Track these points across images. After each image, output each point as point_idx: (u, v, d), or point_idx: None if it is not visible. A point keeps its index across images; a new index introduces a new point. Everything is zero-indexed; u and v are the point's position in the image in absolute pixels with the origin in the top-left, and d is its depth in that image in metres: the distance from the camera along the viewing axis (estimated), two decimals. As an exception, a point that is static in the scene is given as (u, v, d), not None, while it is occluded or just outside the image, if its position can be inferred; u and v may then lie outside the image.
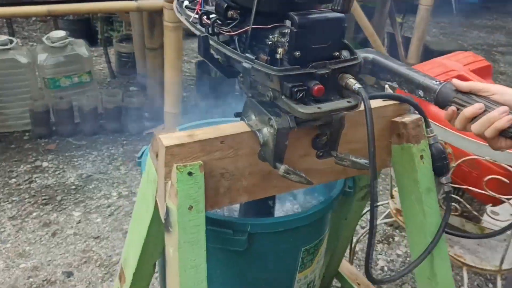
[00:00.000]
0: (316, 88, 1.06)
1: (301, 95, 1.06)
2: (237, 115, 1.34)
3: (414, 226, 1.42)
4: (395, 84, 1.18)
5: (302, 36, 1.05)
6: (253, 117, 1.21)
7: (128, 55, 4.65)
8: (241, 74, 1.24)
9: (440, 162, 1.35)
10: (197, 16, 1.28)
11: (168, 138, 1.13)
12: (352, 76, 1.12)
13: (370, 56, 1.22)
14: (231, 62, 1.19)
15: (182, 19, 1.33)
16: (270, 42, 1.11)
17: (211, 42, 1.17)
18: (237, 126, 1.20)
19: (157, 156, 1.19)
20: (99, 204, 2.98)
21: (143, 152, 1.66)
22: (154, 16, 3.72)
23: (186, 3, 1.38)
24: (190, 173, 1.11)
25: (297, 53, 1.06)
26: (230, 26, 1.19)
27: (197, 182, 1.13)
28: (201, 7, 1.28)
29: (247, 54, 1.10)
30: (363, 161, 1.19)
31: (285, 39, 1.07)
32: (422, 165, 1.34)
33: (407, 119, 1.32)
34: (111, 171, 3.31)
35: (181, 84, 3.46)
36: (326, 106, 1.07)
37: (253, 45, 1.17)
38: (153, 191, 1.23)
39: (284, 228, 1.35)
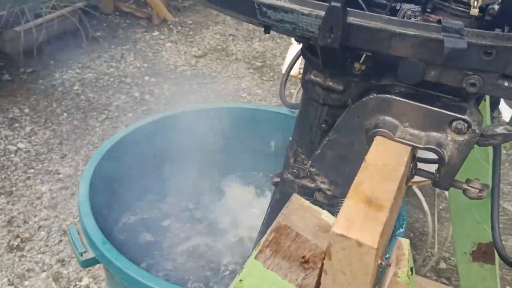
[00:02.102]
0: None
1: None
2: (326, 126, 0.80)
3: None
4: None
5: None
6: (397, 123, 0.71)
7: None
8: (361, 60, 0.70)
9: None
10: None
11: (356, 225, 0.56)
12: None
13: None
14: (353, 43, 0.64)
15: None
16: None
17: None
18: (395, 149, 0.69)
19: (306, 262, 0.60)
20: None
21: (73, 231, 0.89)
22: None
23: None
24: (411, 271, 0.59)
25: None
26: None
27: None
28: None
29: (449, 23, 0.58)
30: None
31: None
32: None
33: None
34: None
35: None
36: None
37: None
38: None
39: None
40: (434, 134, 0.69)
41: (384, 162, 0.66)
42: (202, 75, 3.15)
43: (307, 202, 0.63)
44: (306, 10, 0.60)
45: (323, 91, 0.78)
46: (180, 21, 3.83)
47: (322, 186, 0.83)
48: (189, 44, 3.53)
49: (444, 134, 0.69)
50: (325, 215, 0.63)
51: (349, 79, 0.75)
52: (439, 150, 0.68)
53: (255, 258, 0.63)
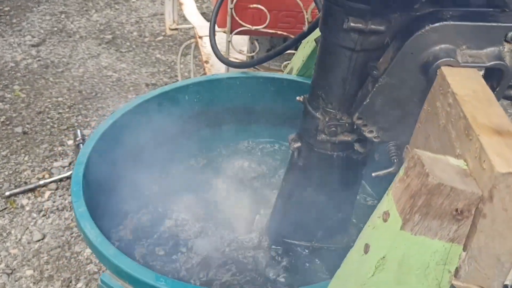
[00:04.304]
0: None
1: None
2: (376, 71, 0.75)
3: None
4: None
5: None
6: (454, 48, 0.69)
7: None
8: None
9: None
10: None
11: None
12: None
13: None
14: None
15: None
16: None
17: None
18: (468, 75, 0.67)
19: (459, 213, 0.57)
20: None
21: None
22: None
23: None
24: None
25: None
26: None
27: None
28: None
29: None
30: None
31: None
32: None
33: None
34: None
35: None
36: None
37: None
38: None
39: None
40: (492, 49, 0.69)
41: (472, 90, 0.64)
42: (52, 64, 2.77)
43: (429, 154, 0.59)
44: None
45: (360, 36, 0.72)
46: (-5, 10, 3.27)
47: (369, 135, 0.79)
48: (18, 33, 3.05)
49: (501, 47, 0.69)
50: (451, 159, 0.59)
51: (390, 17, 0.70)
52: (504, 63, 0.69)
53: (402, 228, 0.58)
